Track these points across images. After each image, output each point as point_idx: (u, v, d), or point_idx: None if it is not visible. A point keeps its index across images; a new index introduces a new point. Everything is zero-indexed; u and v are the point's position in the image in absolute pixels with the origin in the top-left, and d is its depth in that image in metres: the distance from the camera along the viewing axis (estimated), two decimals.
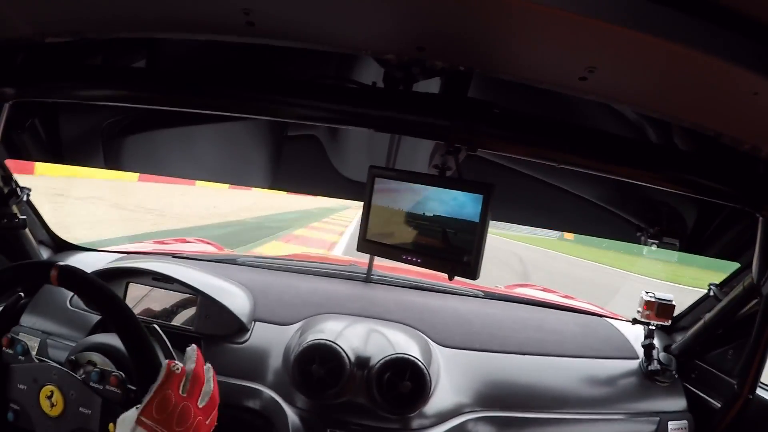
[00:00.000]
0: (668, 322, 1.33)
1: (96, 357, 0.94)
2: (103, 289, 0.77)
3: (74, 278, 0.77)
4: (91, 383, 0.78)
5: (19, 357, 0.81)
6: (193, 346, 0.78)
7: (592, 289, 9.04)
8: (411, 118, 0.76)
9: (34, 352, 0.83)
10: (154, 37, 0.69)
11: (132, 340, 0.75)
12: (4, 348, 0.81)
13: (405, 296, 1.52)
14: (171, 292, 1.30)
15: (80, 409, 0.77)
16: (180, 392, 0.71)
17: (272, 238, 8.92)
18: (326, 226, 13.18)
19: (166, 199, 11.91)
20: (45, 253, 1.45)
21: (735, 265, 1.23)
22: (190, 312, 1.28)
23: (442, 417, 1.16)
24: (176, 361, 0.73)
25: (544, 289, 2.14)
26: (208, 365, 0.79)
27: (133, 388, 0.78)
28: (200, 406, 0.73)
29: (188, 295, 1.29)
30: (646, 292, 1.32)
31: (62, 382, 0.78)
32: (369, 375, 1.13)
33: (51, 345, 1.23)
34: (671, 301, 1.31)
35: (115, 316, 0.76)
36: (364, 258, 1.64)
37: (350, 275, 1.63)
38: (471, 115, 0.76)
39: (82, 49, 0.91)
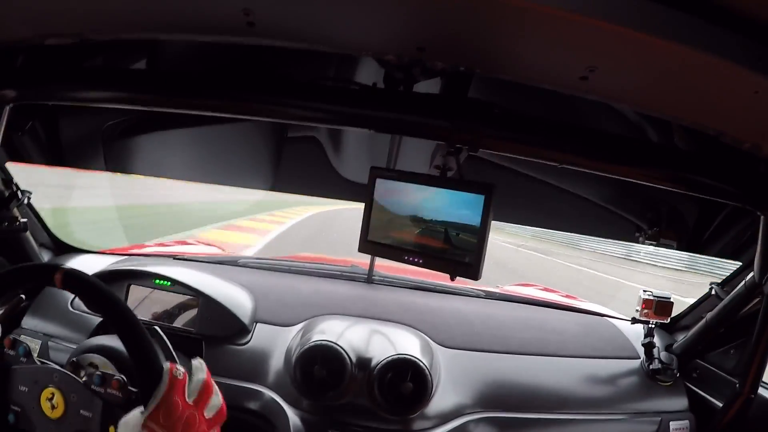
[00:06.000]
0: (667, 320, 1.33)
1: (97, 359, 0.94)
2: (106, 293, 0.77)
3: (78, 281, 0.77)
4: (92, 386, 0.78)
5: (21, 359, 0.81)
6: (200, 359, 0.78)
7: None
8: (412, 118, 0.76)
9: (35, 354, 0.83)
10: (154, 38, 0.69)
11: (133, 342, 0.75)
12: (6, 349, 0.81)
13: (406, 297, 1.52)
14: (172, 293, 1.30)
15: (81, 411, 0.77)
16: (186, 400, 0.70)
17: None
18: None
19: None
20: (46, 256, 1.45)
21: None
22: (191, 313, 1.28)
23: (444, 418, 1.16)
24: (178, 366, 0.73)
25: (545, 289, 2.14)
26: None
27: (135, 390, 0.78)
28: (207, 417, 0.72)
29: (189, 297, 1.29)
30: (644, 291, 1.32)
31: (63, 385, 0.78)
32: (370, 376, 1.13)
33: (52, 347, 1.23)
34: (669, 298, 1.31)
35: (117, 319, 0.76)
36: (366, 259, 1.64)
37: (351, 276, 1.63)
38: (472, 115, 0.76)
39: (82, 51, 0.91)
